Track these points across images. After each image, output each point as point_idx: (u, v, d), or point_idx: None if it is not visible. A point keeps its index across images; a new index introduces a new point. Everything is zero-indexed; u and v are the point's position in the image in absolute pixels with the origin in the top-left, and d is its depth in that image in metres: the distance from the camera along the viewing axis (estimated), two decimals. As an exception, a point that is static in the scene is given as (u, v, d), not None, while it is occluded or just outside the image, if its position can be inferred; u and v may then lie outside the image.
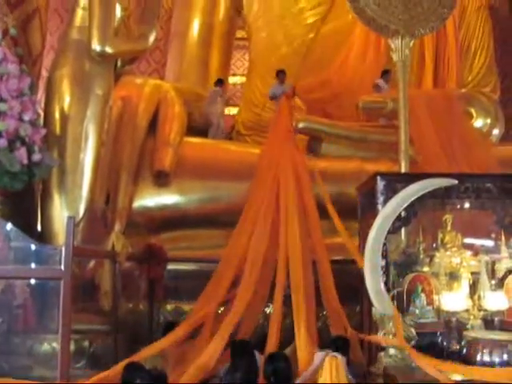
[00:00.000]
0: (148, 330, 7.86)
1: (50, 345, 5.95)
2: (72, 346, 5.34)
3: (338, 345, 6.19)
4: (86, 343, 6.31)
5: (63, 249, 4.76)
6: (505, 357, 5.08)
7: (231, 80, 13.83)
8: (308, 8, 11.75)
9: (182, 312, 8.18)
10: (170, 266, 8.15)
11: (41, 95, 8.65)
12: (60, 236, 6.65)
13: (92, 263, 6.90)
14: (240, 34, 13.93)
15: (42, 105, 7.90)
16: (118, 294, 6.58)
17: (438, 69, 11.25)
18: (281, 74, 10.44)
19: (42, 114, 7.57)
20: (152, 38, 8.16)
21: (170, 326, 7.05)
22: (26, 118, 6.41)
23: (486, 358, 5.14)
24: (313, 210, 7.89)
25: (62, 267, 4.74)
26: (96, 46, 7.49)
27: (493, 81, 11.47)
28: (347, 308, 7.92)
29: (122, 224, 8.13)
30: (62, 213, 7.05)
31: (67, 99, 7.47)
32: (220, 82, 11.28)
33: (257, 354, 5.89)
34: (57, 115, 7.47)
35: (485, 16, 11.60)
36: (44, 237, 7.21)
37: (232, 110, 13.41)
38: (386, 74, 10.59)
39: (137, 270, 7.86)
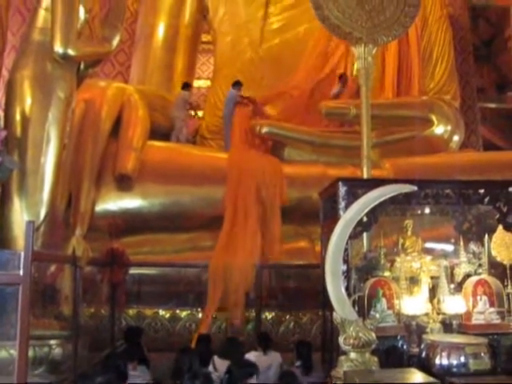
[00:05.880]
0: (110, 334, 7.78)
1: (8, 352, 5.82)
2: (31, 353, 5.25)
3: (300, 349, 6.25)
4: (46, 349, 6.19)
5: (22, 254, 4.66)
6: (462, 359, 5.19)
7: (196, 83, 13.79)
8: (274, 14, 11.83)
9: (144, 317, 8.13)
10: (132, 271, 8.10)
11: (1, 96, 8.49)
12: (20, 240, 6.53)
13: (52, 268, 6.80)
14: (206, 37, 13.91)
15: (3, 105, 7.76)
16: (79, 298, 6.48)
17: (400, 76, 11.44)
18: (235, 85, 10.58)
19: (2, 115, 7.43)
20: (115, 42, 8.07)
21: (131, 331, 7.00)
22: (-15, 119, 6.30)
23: (444, 361, 5.24)
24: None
25: (21, 272, 4.64)
26: (58, 48, 7.37)
27: (453, 88, 11.73)
28: (310, 312, 8.04)
29: (84, 228, 8.04)
30: (22, 217, 6.92)
31: (28, 101, 7.33)
32: (187, 86, 11.25)
33: (219, 360, 5.89)
34: (17, 117, 7.32)
35: (446, 25, 11.87)
36: (3, 241, 7.06)
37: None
38: (341, 77, 10.81)
39: (98, 275, 7.78)
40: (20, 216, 7.00)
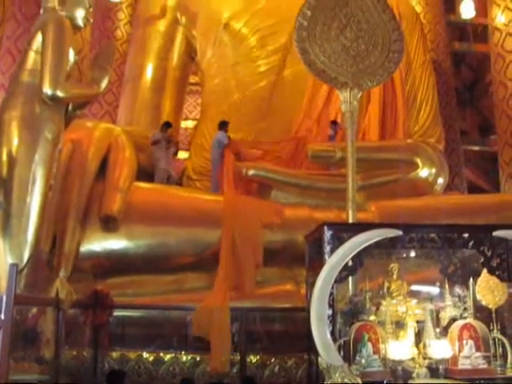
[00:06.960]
0: (92, 378, 7.63)
1: (-14, 397, 5.70)
2: (9, 398, 5.11)
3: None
4: (25, 394, 6.06)
5: (4, 297, 4.62)
6: (448, 405, 5.15)
7: (183, 124, 13.90)
8: (261, 57, 11.98)
9: (127, 360, 7.99)
10: (116, 313, 7.99)
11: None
12: (2, 281, 6.43)
13: (34, 310, 6.70)
14: (194, 79, 14.08)
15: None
16: (61, 341, 6.40)
17: (385, 119, 11.60)
18: (222, 125, 10.68)
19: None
20: (104, 84, 8.12)
21: (114, 374, 6.87)
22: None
23: (431, 407, 5.20)
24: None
25: (2, 316, 4.59)
26: (47, 90, 7.41)
27: (438, 131, 11.91)
28: (295, 355, 7.96)
29: (68, 269, 7.94)
30: (6, 258, 6.85)
31: (15, 142, 7.33)
32: (166, 126, 11.12)
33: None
34: (4, 157, 7.30)
35: (429, 70, 12.14)
36: (-15, 282, 6.97)
37: (183, 154, 13.42)
38: (333, 124, 10.91)
39: (82, 317, 7.67)
40: (3, 257, 6.92)
